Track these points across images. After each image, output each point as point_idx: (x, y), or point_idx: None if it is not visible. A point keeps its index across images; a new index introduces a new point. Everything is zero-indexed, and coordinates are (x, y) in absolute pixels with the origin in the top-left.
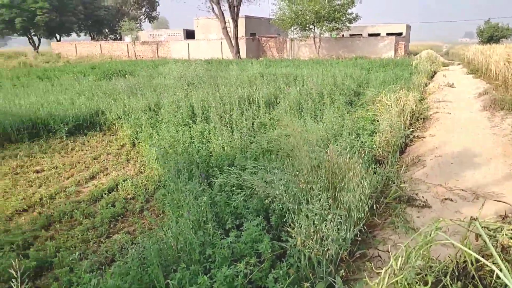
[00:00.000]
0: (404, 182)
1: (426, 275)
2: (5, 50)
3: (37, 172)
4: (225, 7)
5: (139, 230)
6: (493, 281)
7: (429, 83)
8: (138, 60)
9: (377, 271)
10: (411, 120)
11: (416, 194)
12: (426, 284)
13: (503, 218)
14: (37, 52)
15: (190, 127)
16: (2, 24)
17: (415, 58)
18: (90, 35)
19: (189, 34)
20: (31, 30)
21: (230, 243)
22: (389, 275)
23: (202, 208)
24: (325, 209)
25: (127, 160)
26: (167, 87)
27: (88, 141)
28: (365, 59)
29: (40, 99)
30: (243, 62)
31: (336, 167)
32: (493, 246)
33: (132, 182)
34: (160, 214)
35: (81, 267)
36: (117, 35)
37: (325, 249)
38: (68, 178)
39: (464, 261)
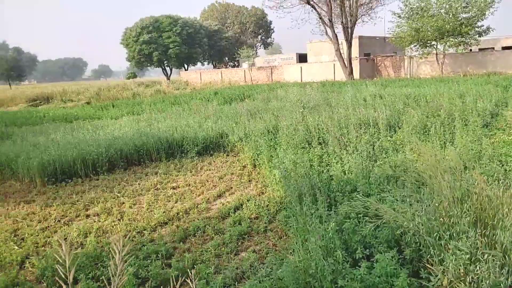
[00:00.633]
0: None
1: None
2: (143, 80)
3: (174, 188)
4: (338, 29)
5: (264, 250)
6: None
7: None
8: (254, 84)
9: None
10: None
11: None
12: None
13: None
14: (169, 80)
15: (308, 150)
16: (143, 57)
17: None
18: (213, 64)
19: (301, 58)
20: (165, 62)
21: (362, 275)
22: None
23: (330, 234)
24: (475, 248)
25: (249, 181)
26: (283, 110)
27: (214, 161)
28: (500, 75)
29: (174, 122)
30: (357, 83)
31: (486, 200)
32: None
33: (255, 202)
34: (283, 236)
35: (216, 281)
36: (236, 62)
37: None
38: (199, 195)
39: None
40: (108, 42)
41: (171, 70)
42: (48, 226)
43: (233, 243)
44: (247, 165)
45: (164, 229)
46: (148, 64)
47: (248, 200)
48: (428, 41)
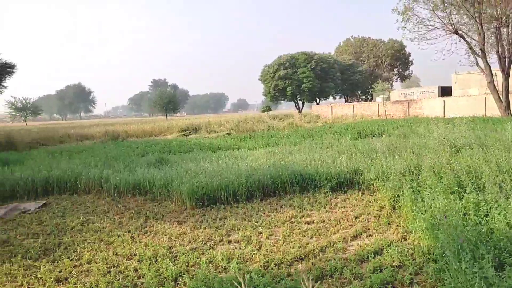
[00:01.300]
0: None
1: None
2: (276, 112)
3: (308, 223)
4: (492, 59)
5: None
6: None
7: None
8: (389, 119)
9: None
10: None
11: None
12: None
13: None
14: (301, 113)
15: (460, 196)
16: (277, 92)
17: None
18: (344, 97)
19: (444, 91)
20: (298, 96)
21: None
22: None
23: None
24: None
25: (389, 223)
26: (425, 148)
27: (349, 199)
28: None
29: (307, 156)
30: None
31: None
32: None
33: (398, 249)
34: None
35: None
36: (369, 96)
37: None
38: (334, 234)
39: None
40: (246, 78)
41: (303, 103)
42: (197, 247)
43: None
44: (385, 206)
45: (300, 264)
46: (282, 98)
47: (389, 245)
48: None
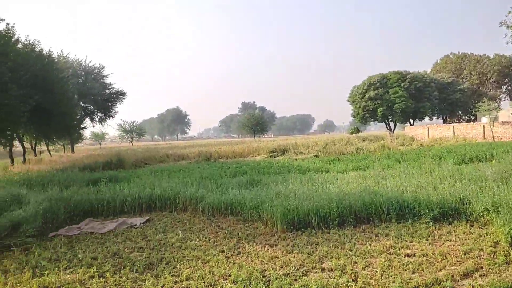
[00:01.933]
0: None
1: None
2: (365, 134)
3: (409, 256)
4: None
5: None
6: None
7: None
8: (497, 142)
9: None
10: None
11: None
12: None
13: None
14: (393, 135)
15: None
16: (367, 113)
17: None
18: (443, 118)
19: None
20: (389, 117)
21: None
22: None
23: None
24: None
25: (507, 263)
26: None
27: (454, 231)
28: None
29: (403, 181)
30: None
31: None
32: None
33: None
34: None
35: None
36: (472, 116)
37: None
38: (440, 270)
39: None
40: (334, 99)
41: (395, 125)
42: (289, 273)
43: None
44: (501, 241)
45: None
46: (372, 119)
47: None
48: None
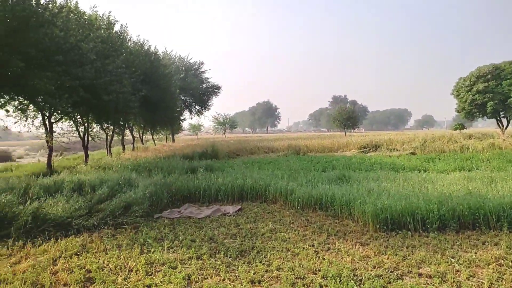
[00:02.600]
0: None
1: None
2: (471, 131)
3: None
4: None
5: None
6: None
7: None
8: None
9: None
10: None
11: None
12: None
13: None
14: (505, 133)
15: None
16: (474, 108)
17: None
18: None
19: None
20: (501, 112)
21: None
22: None
23: None
24: None
25: None
26: None
27: None
28: None
29: None
30: None
31: None
32: None
33: None
34: None
35: None
36: None
37: None
38: None
39: None
40: (434, 93)
41: (508, 121)
42: (382, 275)
43: None
44: None
45: None
46: (480, 115)
47: None
48: None
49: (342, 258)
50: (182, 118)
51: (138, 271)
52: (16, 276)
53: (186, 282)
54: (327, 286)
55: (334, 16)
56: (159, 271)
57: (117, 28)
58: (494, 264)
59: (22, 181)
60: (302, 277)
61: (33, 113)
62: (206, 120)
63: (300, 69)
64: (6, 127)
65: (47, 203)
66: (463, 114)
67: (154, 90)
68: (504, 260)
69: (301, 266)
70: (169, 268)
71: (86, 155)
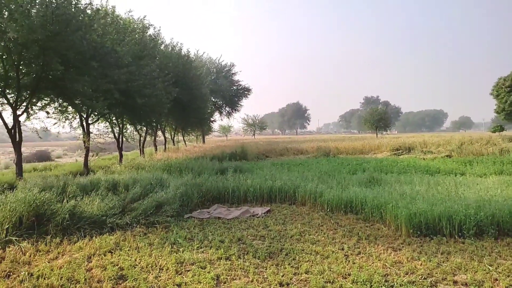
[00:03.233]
0: None
1: None
2: (510, 134)
3: None
4: None
5: None
6: None
7: None
8: None
9: None
10: None
11: None
12: None
13: None
14: None
15: None
16: None
17: None
18: None
19: None
20: None
21: None
22: None
23: None
24: None
25: None
26: None
27: None
28: None
29: None
30: None
31: None
32: None
33: None
34: None
35: None
36: None
37: None
38: None
39: None
40: (473, 93)
41: None
42: (415, 281)
43: None
44: None
45: None
46: None
47: None
48: None
49: (373, 263)
50: (212, 119)
51: (169, 269)
52: (53, 272)
53: (215, 282)
54: None
55: (367, 15)
56: (188, 271)
57: (151, 31)
58: None
59: (60, 180)
60: (331, 281)
61: (71, 114)
62: (236, 121)
63: (331, 70)
64: (46, 128)
65: (83, 201)
66: (502, 115)
67: (185, 92)
68: None
69: (331, 270)
70: (198, 267)
71: (121, 156)
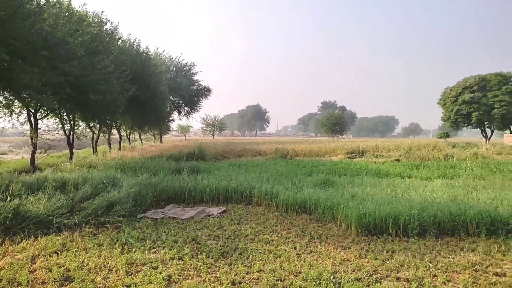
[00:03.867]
0: None
1: None
2: (455, 140)
3: (497, 275)
4: None
5: None
6: None
7: None
8: None
9: None
10: None
11: None
12: None
13: None
14: (488, 143)
15: None
16: (460, 117)
17: None
18: None
19: None
20: (486, 122)
21: None
22: None
23: None
24: None
25: None
26: None
27: None
28: None
29: (498, 194)
30: None
31: None
32: None
33: None
34: None
35: None
36: None
37: None
38: None
39: None
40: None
41: (492, 131)
42: (361, 278)
43: None
44: None
45: None
46: (465, 124)
47: None
48: None
49: (323, 261)
50: (170, 118)
51: (118, 270)
52: None
53: (167, 282)
54: None
55: (324, 21)
56: (139, 271)
57: (108, 26)
58: (470, 269)
59: (4, 177)
60: (282, 279)
61: (18, 109)
62: (195, 121)
63: (291, 74)
64: None
65: (29, 200)
66: (448, 123)
67: (143, 89)
68: (480, 266)
69: (282, 268)
70: (149, 268)
71: (71, 153)
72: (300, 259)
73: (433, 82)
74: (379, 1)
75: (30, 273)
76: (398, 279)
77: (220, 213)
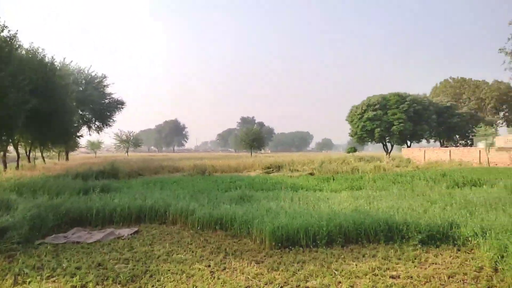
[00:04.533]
0: None
1: None
2: (362, 154)
3: (393, 278)
4: None
5: None
6: None
7: None
8: (492, 167)
9: None
10: None
11: None
12: None
13: None
14: (389, 156)
15: None
16: (365, 133)
17: None
18: (440, 141)
19: None
20: (386, 138)
21: None
22: None
23: None
24: None
25: (488, 287)
26: None
27: (441, 255)
28: None
29: (395, 203)
30: None
31: None
32: None
33: None
34: None
35: None
36: (468, 141)
37: None
38: None
39: None
40: (333, 118)
41: (392, 146)
42: None
43: None
44: (485, 266)
45: None
46: (369, 140)
47: None
48: None
49: (236, 276)
50: (79, 134)
51: None
52: None
53: None
54: None
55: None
56: None
57: (5, 33)
58: (370, 274)
59: None
60: None
61: None
62: (108, 137)
63: (210, 89)
64: None
65: None
66: (355, 138)
67: (46, 102)
68: (378, 270)
69: (195, 287)
70: None
71: None
72: (214, 277)
73: (343, 99)
74: (273, 25)
75: None
76: None
77: (131, 234)
